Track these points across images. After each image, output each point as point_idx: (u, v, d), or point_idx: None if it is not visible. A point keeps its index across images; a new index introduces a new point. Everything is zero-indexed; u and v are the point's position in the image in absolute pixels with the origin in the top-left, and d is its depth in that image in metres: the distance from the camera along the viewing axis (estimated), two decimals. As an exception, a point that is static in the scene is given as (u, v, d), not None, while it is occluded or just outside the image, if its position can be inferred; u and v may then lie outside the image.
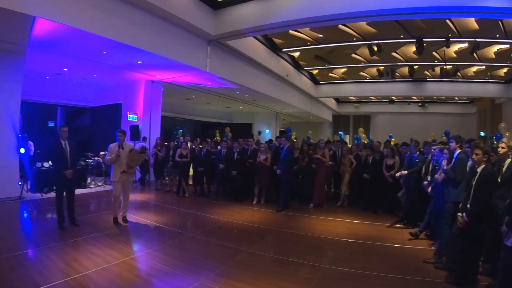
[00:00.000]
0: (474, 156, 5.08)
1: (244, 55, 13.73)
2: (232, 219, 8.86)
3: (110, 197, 8.54)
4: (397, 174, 8.95)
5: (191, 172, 12.49)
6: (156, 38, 10.02)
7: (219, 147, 11.95)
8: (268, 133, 26.22)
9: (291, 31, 13.29)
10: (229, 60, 13.35)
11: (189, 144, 12.67)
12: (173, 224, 8.21)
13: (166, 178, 13.20)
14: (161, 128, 15.73)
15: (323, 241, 7.45)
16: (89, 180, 12.94)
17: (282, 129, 28.61)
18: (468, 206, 5.03)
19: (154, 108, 15.05)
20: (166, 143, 13.20)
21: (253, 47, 14.15)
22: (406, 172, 8.67)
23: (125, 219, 7.98)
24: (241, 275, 5.23)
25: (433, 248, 6.93)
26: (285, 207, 10.21)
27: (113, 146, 7.82)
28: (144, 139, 8.21)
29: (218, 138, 17.76)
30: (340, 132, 29.04)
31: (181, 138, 12.65)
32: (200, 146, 12.17)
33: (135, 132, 13.59)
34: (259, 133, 24.09)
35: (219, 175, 11.66)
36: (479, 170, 5.02)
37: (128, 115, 14.40)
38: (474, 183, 5.02)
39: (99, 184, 12.94)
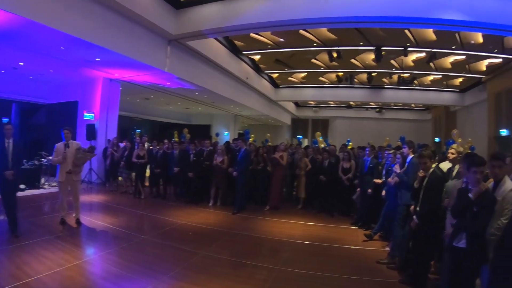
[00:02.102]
0: (422, 165, 5.35)
1: (205, 56, 13.63)
2: (188, 221, 8.79)
3: (64, 198, 8.31)
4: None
5: (148, 173, 12.31)
6: (116, 35, 9.80)
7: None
8: (226, 135, 26.16)
9: (252, 34, 13.36)
10: (189, 61, 13.24)
11: (146, 145, 12.49)
12: (128, 226, 8.06)
13: (120, 179, 12.93)
14: (118, 127, 15.41)
15: (278, 243, 7.53)
16: (42, 180, 12.47)
17: (240, 132, 28.63)
18: (418, 208, 5.25)
19: (112, 107, 14.70)
20: (125, 143, 12.90)
21: (214, 48, 14.09)
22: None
23: (78, 221, 7.77)
24: (195, 278, 5.22)
25: (386, 249, 7.13)
26: (241, 209, 10.23)
27: (59, 145, 7.56)
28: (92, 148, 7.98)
29: (176, 139, 17.58)
30: (298, 136, 29.30)
31: (138, 138, 12.45)
32: (158, 147, 12.00)
33: (91, 131, 13.27)
34: (217, 135, 23.99)
35: (175, 177, 11.59)
36: (427, 174, 5.27)
37: (85, 114, 14.00)
38: (423, 187, 5.26)
39: (53, 184, 12.43)
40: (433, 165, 5.48)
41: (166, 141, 12.63)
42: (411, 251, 5.67)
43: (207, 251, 6.56)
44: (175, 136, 18.07)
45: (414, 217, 5.29)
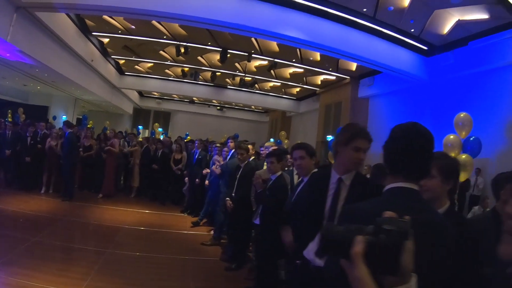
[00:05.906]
0: (239, 156, 6.30)
1: (52, 31, 12.75)
2: (19, 209, 8.46)
3: None
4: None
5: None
6: None
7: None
8: (64, 119, 24.86)
9: (105, 16, 13.17)
10: (35, 34, 12.25)
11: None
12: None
13: None
14: None
15: (110, 229, 7.83)
16: None
17: (79, 117, 27.39)
18: (233, 195, 6.15)
19: None
20: None
21: (62, 24, 13.28)
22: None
23: None
24: (28, 263, 5.28)
25: (211, 232, 7.96)
26: (70, 196, 10.10)
27: None
28: None
29: (10, 119, 16.38)
30: (139, 126, 29.12)
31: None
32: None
33: None
34: (54, 118, 22.75)
35: (6, 161, 10.86)
36: (242, 165, 6.23)
37: None
38: (238, 176, 6.18)
39: None
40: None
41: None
42: (229, 233, 6.59)
43: (39, 237, 6.56)
44: (9, 115, 16.84)
45: (229, 202, 6.15)
